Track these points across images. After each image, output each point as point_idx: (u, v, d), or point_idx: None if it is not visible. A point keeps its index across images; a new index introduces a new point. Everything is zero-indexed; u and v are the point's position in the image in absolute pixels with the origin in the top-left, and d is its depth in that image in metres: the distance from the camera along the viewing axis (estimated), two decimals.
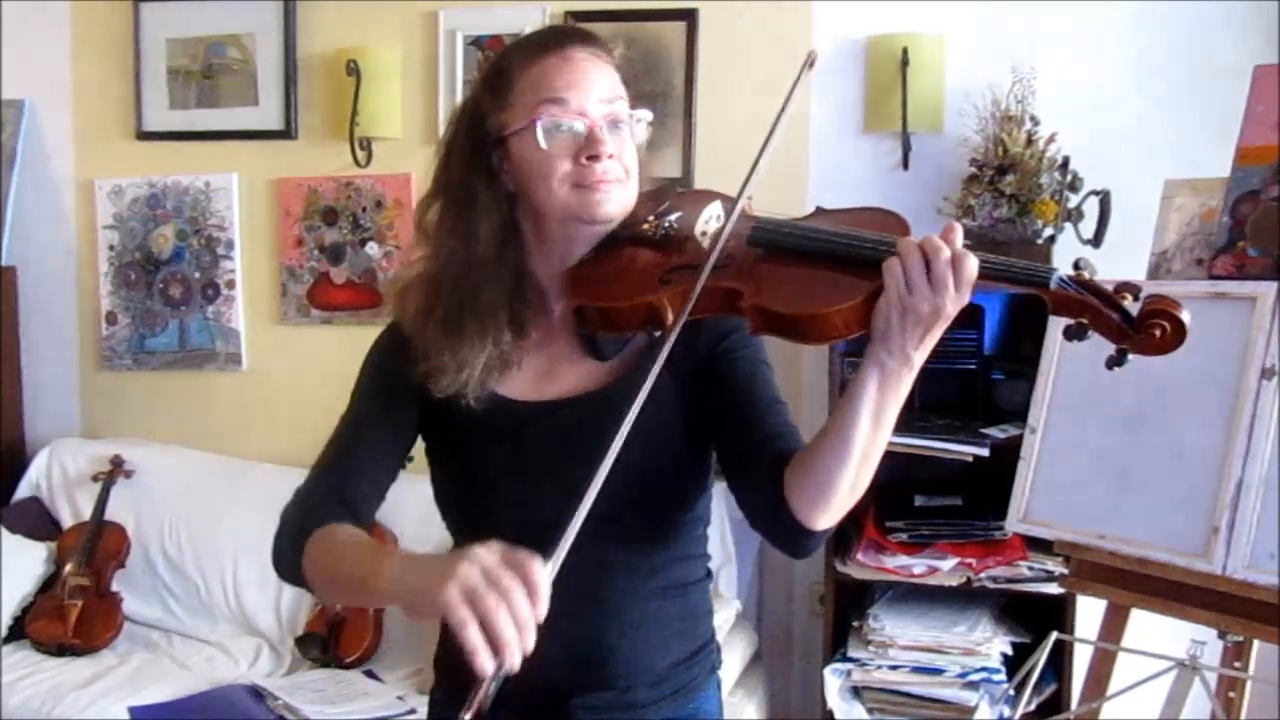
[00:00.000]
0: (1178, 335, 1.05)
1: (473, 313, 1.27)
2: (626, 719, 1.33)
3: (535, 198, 1.27)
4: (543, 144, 1.24)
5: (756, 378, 1.30)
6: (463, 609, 0.95)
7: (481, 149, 1.29)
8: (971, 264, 1.05)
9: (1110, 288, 1.08)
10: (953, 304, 1.06)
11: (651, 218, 1.28)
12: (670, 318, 1.19)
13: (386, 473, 1.35)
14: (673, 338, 1.15)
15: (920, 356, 1.10)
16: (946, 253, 1.05)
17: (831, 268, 1.14)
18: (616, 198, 1.27)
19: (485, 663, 0.94)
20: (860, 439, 1.13)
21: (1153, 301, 1.06)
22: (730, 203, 1.25)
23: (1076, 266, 1.08)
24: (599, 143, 1.24)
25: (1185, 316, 1.04)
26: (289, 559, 1.27)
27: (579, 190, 1.25)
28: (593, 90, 1.25)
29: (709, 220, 1.26)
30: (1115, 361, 1.09)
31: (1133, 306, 1.06)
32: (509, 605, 0.95)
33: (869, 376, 1.11)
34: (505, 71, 1.29)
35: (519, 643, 0.95)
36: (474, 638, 0.94)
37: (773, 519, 1.20)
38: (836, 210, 1.30)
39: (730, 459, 1.29)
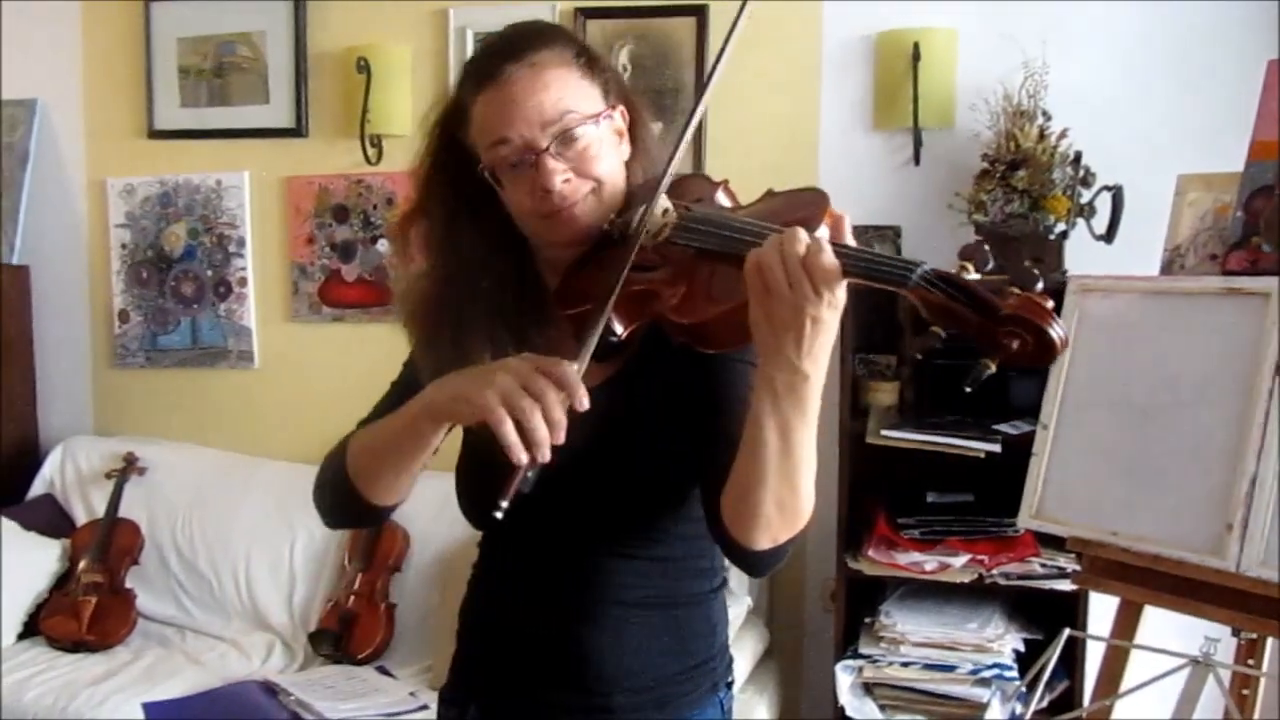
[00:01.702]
0: (1042, 350, 0.89)
1: (469, 341, 1.26)
2: None
3: (519, 226, 1.28)
4: (505, 187, 1.24)
5: (726, 376, 1.23)
6: (499, 409, 1.03)
7: (467, 170, 1.27)
8: (826, 260, 0.97)
9: (994, 286, 0.91)
10: (815, 306, 0.98)
11: (614, 216, 1.25)
12: (616, 324, 1.16)
13: None
14: (591, 345, 1.11)
15: (811, 366, 1.01)
16: (800, 247, 0.97)
17: (735, 265, 1.04)
18: (585, 213, 1.24)
19: (519, 456, 1.02)
20: (770, 458, 1.06)
21: (1018, 305, 0.89)
22: (657, 197, 1.20)
23: (962, 258, 0.94)
24: (546, 175, 1.20)
25: (1055, 331, 0.89)
26: (333, 464, 1.30)
27: (545, 221, 1.24)
28: (531, 117, 1.21)
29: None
30: (972, 379, 0.92)
31: (1011, 302, 0.90)
32: (543, 406, 1.03)
33: (762, 391, 1.05)
34: (462, 103, 1.26)
35: (551, 439, 1.03)
36: (510, 434, 1.02)
37: (717, 533, 1.18)
38: (781, 192, 1.22)
39: (697, 460, 1.24)
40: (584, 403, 1.05)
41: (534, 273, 1.32)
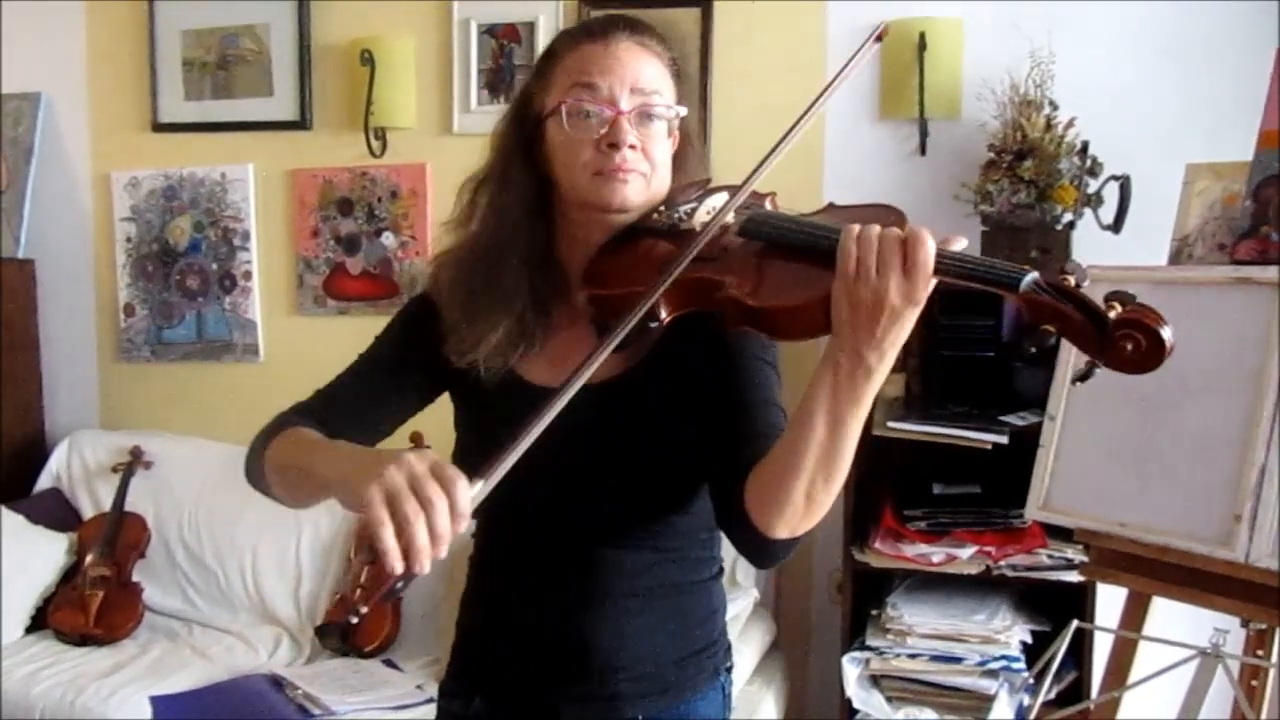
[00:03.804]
0: (1155, 351, 0.95)
1: (494, 287, 1.29)
2: (608, 710, 1.31)
3: (560, 181, 1.29)
4: (566, 127, 1.25)
5: (748, 373, 1.26)
6: (381, 509, 0.95)
7: (522, 130, 1.31)
8: (925, 250, 0.98)
9: (1101, 296, 0.98)
10: (899, 293, 0.99)
11: (663, 208, 1.28)
12: (662, 309, 1.18)
13: (373, 418, 1.36)
14: (632, 322, 1.12)
15: (876, 359, 1.03)
16: (896, 233, 1.00)
17: (811, 262, 1.09)
18: (635, 188, 1.26)
19: (394, 564, 0.94)
20: (813, 445, 1.07)
21: (1129, 311, 0.96)
22: (740, 194, 1.23)
23: (1063, 270, 1.00)
24: (621, 131, 1.24)
25: (1166, 333, 0.95)
26: (256, 453, 1.28)
27: (598, 178, 1.25)
28: (626, 79, 1.25)
29: (710, 211, 1.25)
30: (1081, 376, 1.00)
31: (1113, 315, 0.97)
32: (427, 516, 0.95)
33: (823, 376, 1.06)
34: (552, 55, 1.31)
35: (429, 553, 0.95)
36: (386, 539, 0.94)
37: (733, 522, 1.18)
38: (845, 206, 1.27)
39: (709, 453, 1.25)
40: (463, 526, 0.97)
41: (556, 249, 1.33)
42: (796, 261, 1.12)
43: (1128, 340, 0.95)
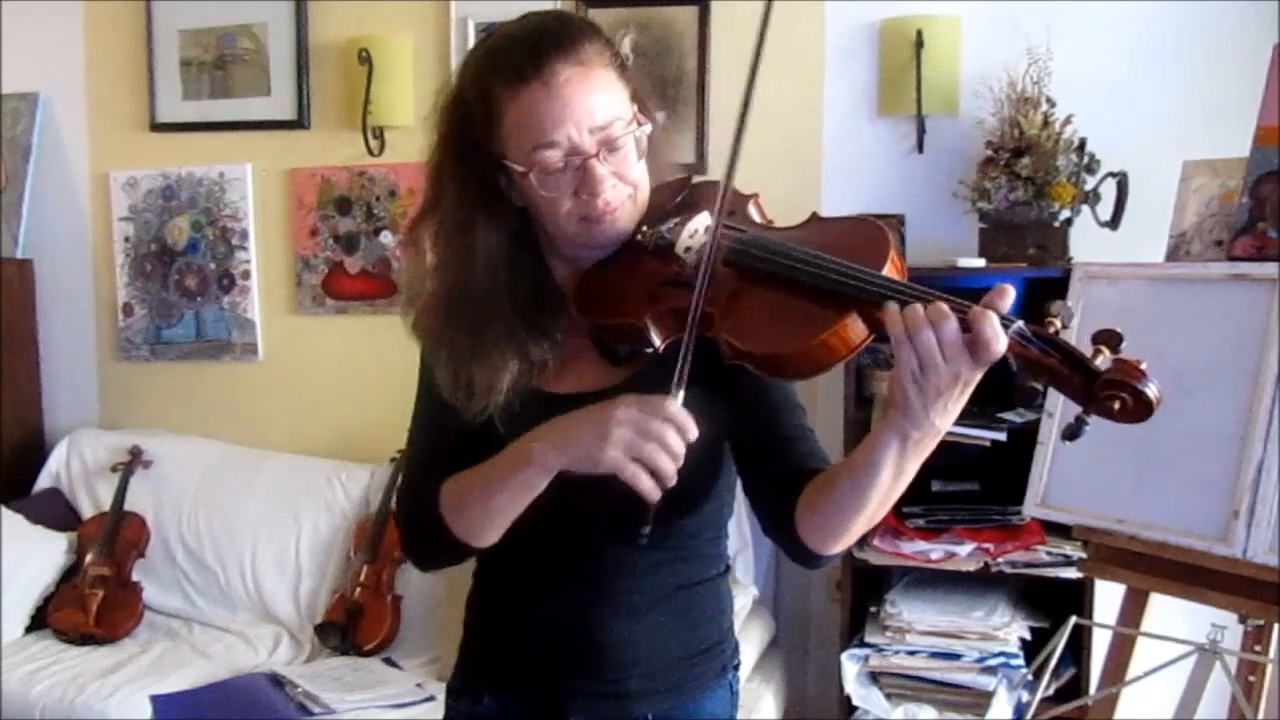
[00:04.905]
0: (1140, 409, 0.95)
1: (491, 339, 1.25)
2: (618, 708, 1.32)
3: (545, 226, 1.27)
4: (541, 190, 1.21)
5: (765, 379, 1.24)
6: (629, 466, 1.11)
7: (478, 169, 1.25)
8: (996, 338, 0.97)
9: (1089, 339, 0.98)
10: (970, 374, 1.00)
11: (646, 228, 1.25)
12: (655, 336, 1.19)
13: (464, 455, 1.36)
14: (684, 363, 1.13)
15: (947, 421, 1.04)
16: (953, 322, 0.98)
17: (804, 298, 1.08)
18: (624, 217, 1.25)
19: (655, 497, 1.11)
20: (877, 494, 1.11)
21: (1115, 370, 0.96)
22: (719, 212, 1.18)
23: (1049, 314, 0.99)
24: (595, 179, 1.19)
25: (1151, 390, 0.94)
26: (428, 525, 1.27)
27: (584, 223, 1.23)
28: (583, 120, 1.18)
29: (693, 234, 1.21)
30: (1071, 433, 0.98)
31: (1104, 363, 0.96)
32: (664, 446, 1.10)
33: (889, 442, 1.06)
34: (490, 98, 1.21)
35: (675, 469, 1.11)
36: (645, 484, 1.11)
37: (782, 536, 1.22)
38: (830, 219, 1.24)
39: (742, 463, 1.29)
40: (694, 434, 1.11)
41: (547, 268, 1.32)
42: (785, 296, 1.10)
43: (1114, 400, 0.96)
